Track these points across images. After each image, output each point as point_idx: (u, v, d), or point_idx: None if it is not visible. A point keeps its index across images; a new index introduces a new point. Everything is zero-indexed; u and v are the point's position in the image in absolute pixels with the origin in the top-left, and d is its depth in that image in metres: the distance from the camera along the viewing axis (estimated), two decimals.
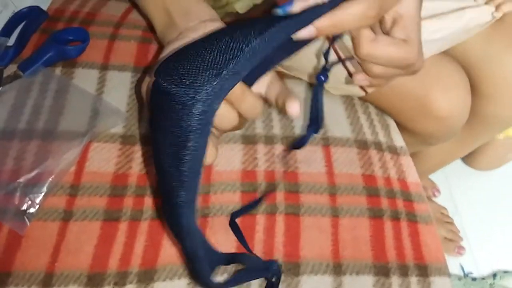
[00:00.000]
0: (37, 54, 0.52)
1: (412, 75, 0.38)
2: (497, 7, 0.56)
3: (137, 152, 0.48)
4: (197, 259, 0.33)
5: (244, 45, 0.28)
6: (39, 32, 0.56)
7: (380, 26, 0.38)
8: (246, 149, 0.49)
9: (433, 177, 0.99)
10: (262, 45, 0.28)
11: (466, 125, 0.59)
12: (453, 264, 0.89)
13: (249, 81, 0.35)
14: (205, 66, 0.27)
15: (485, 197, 1.01)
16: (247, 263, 0.39)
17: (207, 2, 0.57)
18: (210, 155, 0.31)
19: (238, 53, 0.28)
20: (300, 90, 0.57)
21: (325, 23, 0.32)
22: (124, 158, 0.47)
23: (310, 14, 0.31)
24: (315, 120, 0.38)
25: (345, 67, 0.51)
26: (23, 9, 0.58)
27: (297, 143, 0.40)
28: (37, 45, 0.55)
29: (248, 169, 0.48)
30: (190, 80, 0.27)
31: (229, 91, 0.28)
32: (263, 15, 0.39)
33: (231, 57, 0.27)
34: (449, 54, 0.57)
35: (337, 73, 0.52)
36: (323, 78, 0.37)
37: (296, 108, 0.33)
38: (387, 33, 0.37)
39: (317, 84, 0.38)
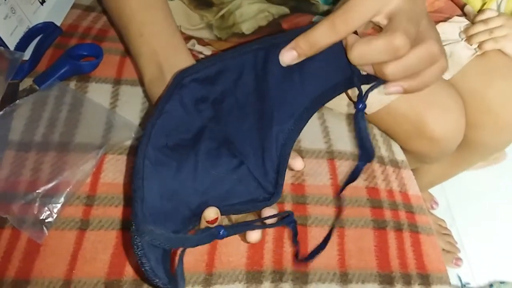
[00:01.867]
0: (52, 69, 0.54)
1: (440, 72, 0.37)
2: (479, 45, 0.59)
3: None
4: None
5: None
6: (53, 47, 0.58)
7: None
8: None
9: (431, 189, 1.02)
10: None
11: (459, 149, 0.61)
12: (451, 275, 0.90)
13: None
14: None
15: (482, 209, 1.03)
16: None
17: (215, 22, 0.59)
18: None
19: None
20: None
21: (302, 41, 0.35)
22: None
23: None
24: (365, 150, 0.38)
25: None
26: (37, 24, 0.60)
27: (351, 176, 0.40)
28: (52, 60, 0.56)
29: None
30: None
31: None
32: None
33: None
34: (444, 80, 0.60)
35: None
36: (361, 106, 0.37)
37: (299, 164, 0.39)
38: None
39: (357, 113, 0.37)
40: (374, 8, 0.34)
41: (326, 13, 0.61)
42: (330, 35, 0.35)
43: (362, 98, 0.37)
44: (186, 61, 0.44)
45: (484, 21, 0.59)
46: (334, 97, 0.39)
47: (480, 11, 0.63)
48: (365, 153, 0.38)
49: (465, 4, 0.66)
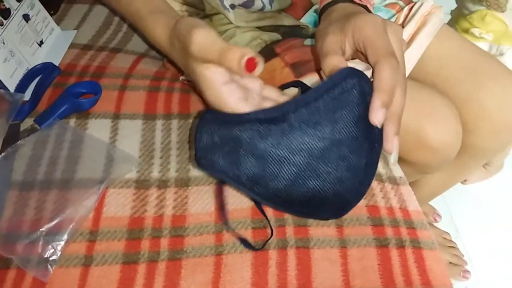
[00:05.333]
0: (52, 108, 0.56)
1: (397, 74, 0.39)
2: None
3: (151, 196, 0.50)
4: None
5: None
6: (53, 87, 0.60)
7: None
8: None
9: (433, 202, 1.02)
10: None
11: (458, 155, 0.62)
12: (460, 287, 0.90)
13: None
14: None
15: (485, 220, 1.03)
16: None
17: None
18: None
19: None
20: None
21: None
22: (139, 202, 0.49)
23: None
24: None
25: None
26: (36, 65, 0.62)
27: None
28: (52, 99, 0.58)
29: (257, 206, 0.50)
30: None
31: None
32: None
33: None
34: (438, 90, 0.61)
35: None
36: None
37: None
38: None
39: None
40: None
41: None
42: (397, 72, 0.37)
43: None
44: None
45: None
46: None
47: None
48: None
49: None
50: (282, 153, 0.38)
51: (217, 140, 0.38)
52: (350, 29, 0.40)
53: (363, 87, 0.38)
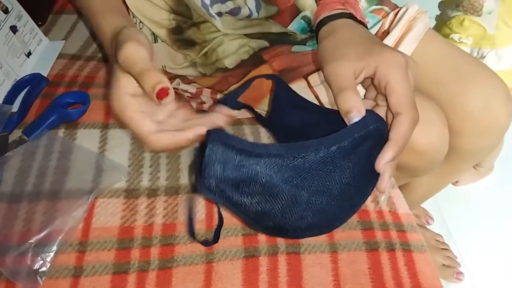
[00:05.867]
0: (40, 119, 0.56)
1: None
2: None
3: (141, 205, 0.50)
4: None
5: None
6: (41, 98, 0.60)
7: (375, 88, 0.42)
8: None
9: (425, 205, 1.02)
10: None
11: (446, 158, 0.63)
12: None
13: None
14: None
15: (477, 221, 1.04)
16: None
17: (199, 60, 0.62)
18: None
19: None
20: None
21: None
22: (128, 212, 0.49)
23: None
24: None
25: None
26: (24, 77, 0.62)
27: None
28: (40, 110, 0.58)
29: None
30: None
31: None
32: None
33: None
34: (424, 93, 0.62)
35: None
36: None
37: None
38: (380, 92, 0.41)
39: None
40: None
41: (303, 42, 0.63)
42: (415, 125, 0.38)
43: None
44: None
45: None
46: None
47: None
48: None
49: None
50: (299, 192, 0.37)
51: (229, 173, 0.35)
52: (373, 64, 0.39)
53: (382, 132, 0.38)
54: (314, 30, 0.50)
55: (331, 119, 0.42)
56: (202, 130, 0.36)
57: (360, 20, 0.48)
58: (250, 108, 0.52)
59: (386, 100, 0.38)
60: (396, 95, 0.37)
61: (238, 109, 0.50)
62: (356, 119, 0.37)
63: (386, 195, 0.42)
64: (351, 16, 0.47)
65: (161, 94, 0.34)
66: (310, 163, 0.35)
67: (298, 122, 0.47)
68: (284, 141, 0.52)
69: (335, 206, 0.39)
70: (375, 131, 0.37)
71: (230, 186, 0.36)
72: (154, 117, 0.38)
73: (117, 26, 0.43)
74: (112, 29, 0.43)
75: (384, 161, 0.38)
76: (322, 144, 0.36)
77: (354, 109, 0.37)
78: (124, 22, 0.44)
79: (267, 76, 0.50)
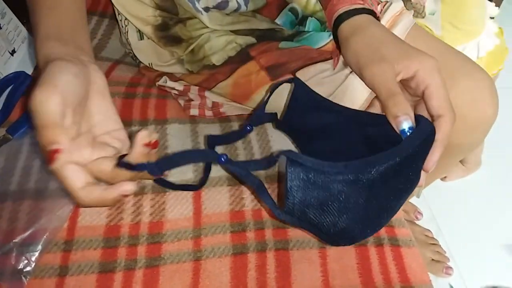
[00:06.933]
0: (24, 117, 0.55)
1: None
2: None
3: (128, 203, 0.49)
4: None
5: None
6: (25, 96, 0.59)
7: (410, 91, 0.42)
8: (232, 190, 0.52)
9: (414, 200, 1.03)
10: None
11: None
12: (443, 284, 0.91)
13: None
14: None
15: (466, 216, 1.05)
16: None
17: (185, 57, 0.61)
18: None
19: None
20: None
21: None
22: (115, 210, 0.49)
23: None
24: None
25: None
26: (8, 75, 0.61)
27: None
28: (24, 108, 0.57)
29: (236, 209, 0.50)
30: None
31: None
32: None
33: None
34: None
35: None
36: None
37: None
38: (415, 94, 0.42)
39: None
40: None
41: (290, 38, 0.63)
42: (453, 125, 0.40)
43: None
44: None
45: None
46: None
47: None
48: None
49: None
50: (371, 205, 0.37)
51: (311, 194, 0.35)
52: (413, 67, 0.40)
53: (432, 135, 0.39)
54: (325, 23, 0.49)
55: (355, 118, 0.43)
56: (128, 188, 0.33)
57: (378, 17, 0.47)
58: (274, 117, 0.53)
59: (425, 103, 0.40)
60: (437, 99, 0.39)
61: (268, 122, 0.54)
62: (404, 124, 0.38)
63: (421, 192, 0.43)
64: (371, 13, 0.46)
65: (50, 157, 0.31)
66: (381, 175, 0.35)
67: (319, 123, 0.48)
68: (304, 143, 0.52)
69: (386, 213, 0.41)
70: (431, 135, 0.39)
71: (312, 208, 0.35)
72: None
73: (52, 52, 0.37)
74: (46, 51, 0.37)
75: (432, 162, 0.40)
76: (396, 155, 0.36)
77: (405, 114, 0.38)
78: (63, 41, 0.38)
79: (287, 81, 0.50)
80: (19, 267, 0.43)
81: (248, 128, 0.51)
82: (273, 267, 0.46)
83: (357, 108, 0.58)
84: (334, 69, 0.58)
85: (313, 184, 0.34)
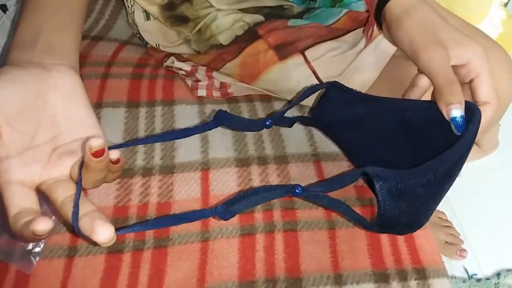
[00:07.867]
0: None
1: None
2: None
3: (136, 184, 0.49)
4: None
5: None
6: None
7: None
8: (240, 171, 0.51)
9: None
10: None
11: None
12: (457, 267, 0.90)
13: None
14: None
15: (481, 198, 1.03)
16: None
17: (192, 37, 0.60)
18: None
19: None
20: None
21: None
22: (123, 191, 0.49)
23: None
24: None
25: None
26: None
27: None
28: None
29: (244, 190, 0.49)
30: None
31: None
32: None
33: None
34: None
35: None
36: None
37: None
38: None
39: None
40: None
41: (299, 15, 0.61)
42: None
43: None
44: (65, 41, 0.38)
45: None
46: None
47: None
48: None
49: None
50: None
51: (401, 207, 0.38)
52: (467, 56, 0.40)
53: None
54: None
55: (390, 105, 0.44)
56: (41, 229, 0.28)
57: None
58: (296, 120, 0.53)
59: (472, 89, 0.41)
60: (486, 87, 0.40)
61: (290, 126, 0.53)
62: (457, 112, 0.38)
63: None
64: None
65: None
66: (447, 170, 0.39)
67: (354, 114, 0.48)
68: (338, 133, 0.52)
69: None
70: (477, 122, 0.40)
71: (403, 214, 0.38)
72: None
73: (9, 60, 0.34)
74: (8, 61, 0.34)
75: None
76: (458, 153, 0.38)
77: (458, 102, 0.38)
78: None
79: (321, 86, 0.50)
80: (28, 248, 0.43)
81: (267, 123, 0.47)
82: (282, 248, 0.45)
83: (366, 87, 0.56)
84: (365, 46, 0.56)
85: (400, 193, 0.36)
